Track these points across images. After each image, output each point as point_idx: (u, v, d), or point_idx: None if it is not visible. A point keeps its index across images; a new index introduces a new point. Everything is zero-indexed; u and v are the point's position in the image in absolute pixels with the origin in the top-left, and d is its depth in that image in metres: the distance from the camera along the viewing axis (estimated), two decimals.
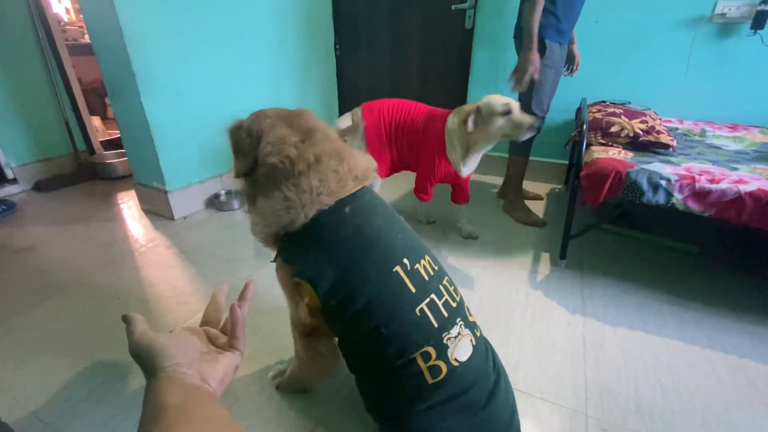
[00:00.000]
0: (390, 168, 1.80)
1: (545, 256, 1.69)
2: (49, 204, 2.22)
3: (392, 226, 0.82)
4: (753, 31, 1.81)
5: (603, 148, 1.56)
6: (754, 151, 1.57)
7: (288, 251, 0.81)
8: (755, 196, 1.17)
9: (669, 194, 1.26)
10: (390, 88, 2.84)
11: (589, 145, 1.62)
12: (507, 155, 2.08)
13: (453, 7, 2.38)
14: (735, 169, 1.35)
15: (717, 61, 1.93)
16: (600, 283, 1.52)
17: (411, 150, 1.72)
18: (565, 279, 1.54)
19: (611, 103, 1.86)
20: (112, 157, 2.60)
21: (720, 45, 1.91)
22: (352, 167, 0.81)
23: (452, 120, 1.60)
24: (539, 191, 2.34)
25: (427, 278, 0.77)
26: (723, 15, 1.85)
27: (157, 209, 2.04)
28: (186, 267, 1.61)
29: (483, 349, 0.79)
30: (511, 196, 2.07)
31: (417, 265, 0.77)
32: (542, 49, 1.67)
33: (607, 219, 1.81)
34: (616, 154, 1.49)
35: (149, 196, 2.04)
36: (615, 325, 1.29)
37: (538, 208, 2.13)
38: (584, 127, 1.45)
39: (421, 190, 1.78)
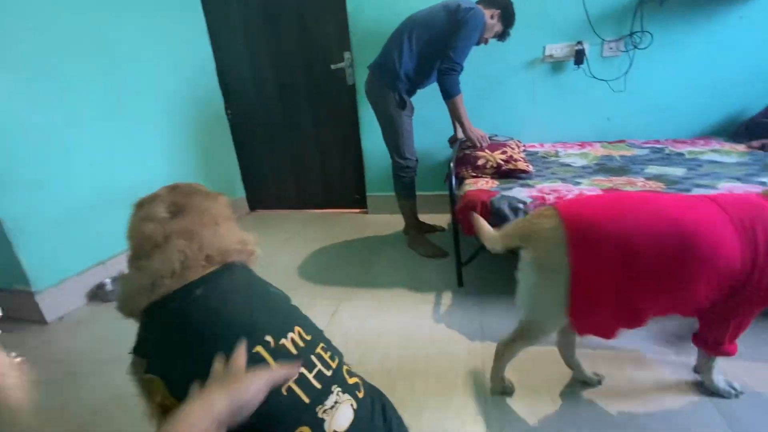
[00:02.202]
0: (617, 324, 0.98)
1: (446, 286, 1.77)
2: None
3: (254, 303, 0.80)
4: (576, 66, 2.19)
5: (474, 180, 1.71)
6: (596, 164, 1.84)
7: (138, 342, 0.76)
8: None
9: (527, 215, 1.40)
10: (287, 150, 2.89)
11: (463, 179, 1.77)
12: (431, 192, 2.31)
13: (332, 66, 2.55)
14: (578, 183, 1.56)
15: (556, 92, 2.28)
16: (496, 304, 1.61)
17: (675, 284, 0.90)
18: (466, 306, 1.61)
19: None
20: None
21: (555, 79, 2.26)
22: (204, 246, 0.79)
23: None
24: (441, 222, 2.47)
25: (295, 352, 0.74)
26: (552, 56, 2.21)
27: (23, 315, 1.77)
28: (53, 381, 1.39)
29: (368, 408, 0.77)
30: (412, 233, 2.17)
31: (283, 340, 0.74)
32: (403, 105, 1.92)
33: None
34: (485, 184, 1.64)
35: (12, 301, 1.77)
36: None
37: (443, 239, 2.23)
38: (450, 165, 1.59)
39: (730, 341, 1.02)
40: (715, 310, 0.96)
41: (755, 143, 1.82)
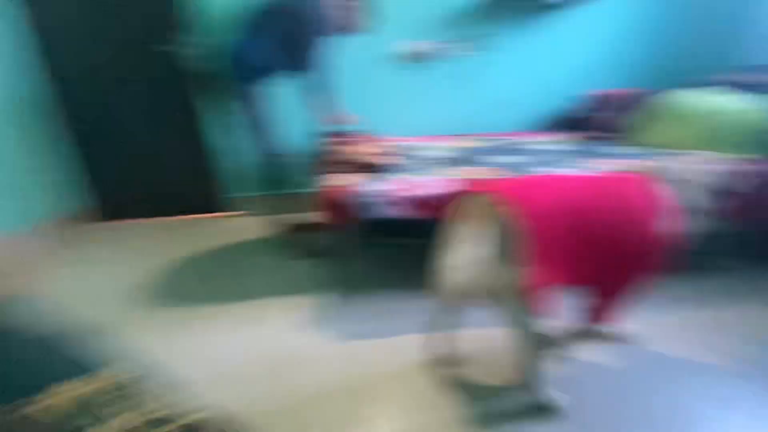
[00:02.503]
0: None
1: (323, 288, 1.66)
2: None
3: None
4: (435, 63, 2.29)
5: (339, 175, 1.63)
6: (451, 156, 1.92)
7: None
8: (450, 197, 1.38)
9: (389, 208, 1.38)
10: (133, 151, 2.43)
11: (329, 174, 1.68)
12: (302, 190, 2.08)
13: (154, 47, 2.18)
14: (434, 174, 1.60)
15: (416, 87, 2.36)
16: (366, 301, 1.57)
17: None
18: (343, 306, 1.54)
19: (345, 133, 2.00)
20: None
21: (416, 74, 2.34)
22: None
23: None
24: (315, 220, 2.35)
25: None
26: (412, 52, 2.27)
27: None
28: None
29: None
30: (283, 234, 2.01)
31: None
32: (256, 97, 1.76)
33: (365, 235, 1.94)
34: (350, 179, 1.57)
35: None
36: (380, 337, 1.33)
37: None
38: (314, 160, 1.48)
39: (612, 310, 1.15)
40: (605, 280, 1.06)
41: (580, 134, 2.13)
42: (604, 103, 2.26)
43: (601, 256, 0.98)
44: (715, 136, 1.63)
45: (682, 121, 1.77)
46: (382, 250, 1.96)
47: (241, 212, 2.49)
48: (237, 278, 1.80)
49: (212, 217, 2.57)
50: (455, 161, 1.81)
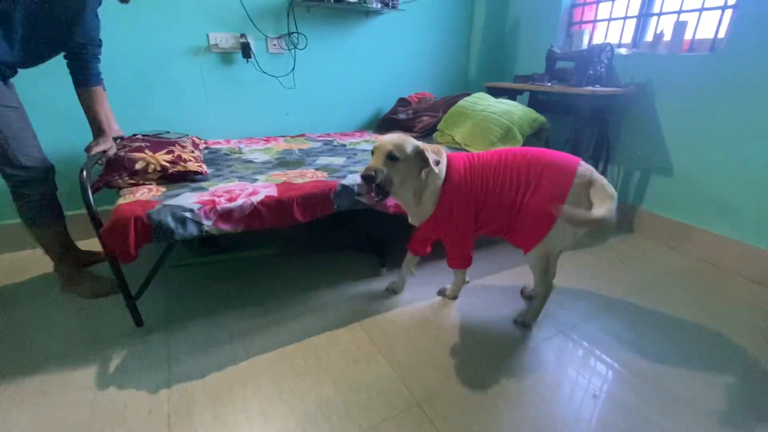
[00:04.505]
0: None
1: (122, 332, 1.37)
2: None
3: None
4: (245, 60, 2.14)
5: (133, 189, 1.36)
6: (276, 159, 1.86)
7: None
8: (265, 204, 1.32)
9: (199, 224, 1.22)
10: None
11: (119, 189, 1.38)
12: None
13: None
14: (255, 180, 1.50)
15: (229, 85, 2.16)
16: (188, 331, 1.37)
17: None
18: (150, 348, 1.29)
19: (142, 135, 1.69)
20: None
21: (226, 71, 2.14)
22: None
23: None
24: None
25: None
26: (217, 46, 2.06)
27: None
28: None
29: None
30: (64, 270, 1.57)
31: None
32: None
33: (188, 253, 1.70)
34: (147, 193, 1.33)
35: None
36: (204, 375, 1.17)
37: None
38: (83, 173, 1.18)
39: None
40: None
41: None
42: (411, 105, 2.56)
43: None
44: (483, 133, 2.01)
45: (466, 121, 2.13)
46: (192, 271, 1.76)
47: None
48: (8, 338, 1.33)
49: None
50: (281, 164, 1.75)
